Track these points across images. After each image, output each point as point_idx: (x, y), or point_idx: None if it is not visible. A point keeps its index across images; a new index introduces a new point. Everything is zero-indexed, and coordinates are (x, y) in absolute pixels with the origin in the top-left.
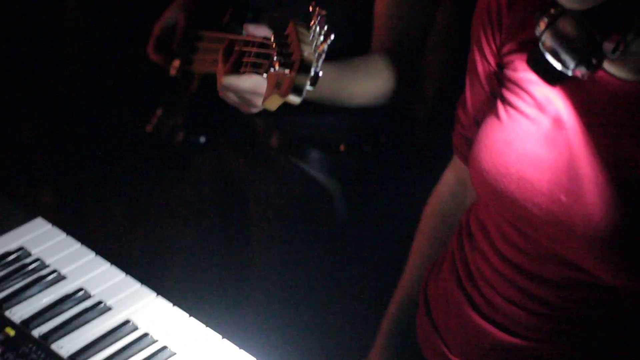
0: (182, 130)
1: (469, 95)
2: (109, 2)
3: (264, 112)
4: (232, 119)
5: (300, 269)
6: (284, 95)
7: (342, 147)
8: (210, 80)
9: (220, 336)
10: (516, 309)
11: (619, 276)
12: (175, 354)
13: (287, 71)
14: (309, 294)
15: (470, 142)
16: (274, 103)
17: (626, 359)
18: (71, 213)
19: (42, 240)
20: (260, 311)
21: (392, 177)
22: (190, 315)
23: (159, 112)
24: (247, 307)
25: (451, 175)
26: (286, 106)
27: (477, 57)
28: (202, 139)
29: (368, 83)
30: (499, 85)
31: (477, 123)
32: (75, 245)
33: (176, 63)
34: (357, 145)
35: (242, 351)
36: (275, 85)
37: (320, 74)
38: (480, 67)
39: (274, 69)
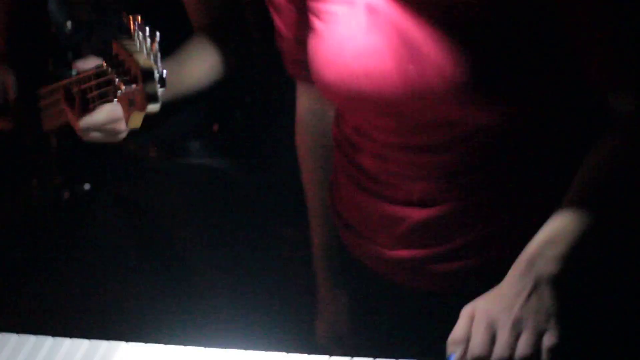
0: (64, 188)
1: (280, 23)
2: None
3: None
4: (106, 156)
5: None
6: (143, 108)
7: (215, 127)
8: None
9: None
10: (420, 182)
11: (485, 112)
12: None
13: (134, 86)
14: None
15: (303, 63)
16: (137, 120)
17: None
18: None
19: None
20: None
21: (271, 128)
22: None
23: (35, 183)
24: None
25: (303, 99)
26: (146, 118)
27: None
28: (87, 186)
29: (205, 64)
30: (302, 2)
31: (301, 42)
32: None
33: (26, 132)
34: (227, 117)
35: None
36: (130, 104)
37: (165, 73)
38: None
39: (121, 90)
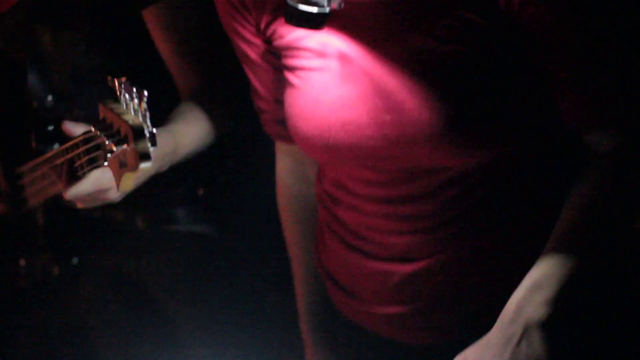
0: (53, 263)
1: (257, 83)
2: None
3: (112, 207)
4: (93, 228)
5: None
6: (135, 167)
7: (200, 192)
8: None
9: None
10: (404, 236)
11: (466, 157)
12: None
13: (125, 146)
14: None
15: (282, 122)
16: (128, 182)
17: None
18: None
19: None
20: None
21: (255, 190)
22: None
23: (22, 262)
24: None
25: (283, 160)
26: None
27: (243, 45)
28: (75, 260)
29: (201, 131)
30: (277, 59)
31: (278, 101)
32: None
33: (7, 212)
34: (212, 181)
35: None
36: (121, 166)
37: (154, 130)
38: (251, 53)
39: (112, 152)
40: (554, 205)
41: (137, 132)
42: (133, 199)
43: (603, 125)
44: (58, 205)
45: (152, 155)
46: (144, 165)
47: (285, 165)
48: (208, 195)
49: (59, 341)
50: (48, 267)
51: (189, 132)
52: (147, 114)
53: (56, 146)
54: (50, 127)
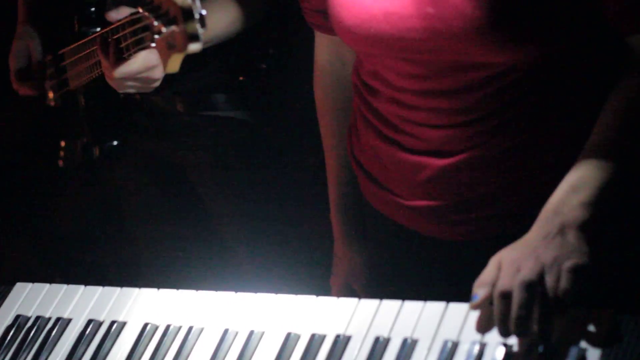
0: (93, 145)
1: None
2: None
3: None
4: (132, 108)
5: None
6: (183, 48)
7: (240, 79)
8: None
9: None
10: (439, 130)
11: (507, 53)
12: (203, 328)
13: (174, 27)
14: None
15: (322, 13)
16: (175, 63)
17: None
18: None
19: (31, 300)
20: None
21: (294, 80)
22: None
23: (63, 143)
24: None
25: (321, 51)
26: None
27: None
28: (115, 142)
29: (228, 11)
30: None
31: None
32: (63, 288)
33: (51, 94)
34: (253, 66)
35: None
36: (169, 47)
37: (204, 12)
38: None
39: (161, 33)
40: (592, 110)
41: (187, 13)
42: (174, 84)
43: None
44: (99, 89)
45: (201, 37)
46: (193, 47)
47: (324, 54)
48: (248, 82)
49: (97, 221)
50: (88, 148)
51: (219, 17)
52: None
53: (98, 29)
54: (92, 10)
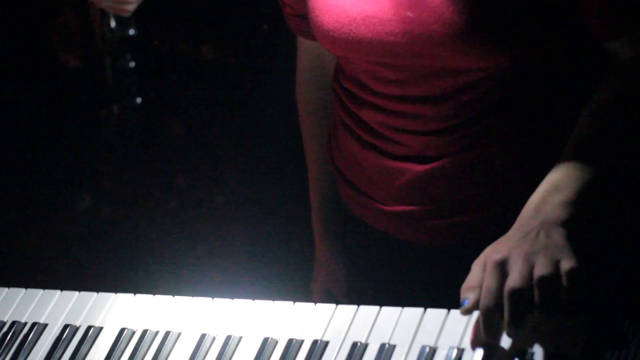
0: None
1: None
2: None
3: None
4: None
5: None
6: None
7: (265, 27)
8: None
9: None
10: (416, 136)
11: (486, 58)
12: (180, 333)
13: None
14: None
15: (302, 17)
16: None
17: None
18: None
19: (7, 305)
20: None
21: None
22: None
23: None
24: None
25: (304, 55)
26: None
27: None
28: (132, 31)
29: None
30: None
31: None
32: (39, 293)
33: None
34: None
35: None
36: None
37: None
38: None
39: None
40: (571, 117)
41: None
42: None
43: (626, 32)
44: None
45: None
46: None
47: (306, 61)
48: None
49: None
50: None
51: None
52: None
53: None
54: None
